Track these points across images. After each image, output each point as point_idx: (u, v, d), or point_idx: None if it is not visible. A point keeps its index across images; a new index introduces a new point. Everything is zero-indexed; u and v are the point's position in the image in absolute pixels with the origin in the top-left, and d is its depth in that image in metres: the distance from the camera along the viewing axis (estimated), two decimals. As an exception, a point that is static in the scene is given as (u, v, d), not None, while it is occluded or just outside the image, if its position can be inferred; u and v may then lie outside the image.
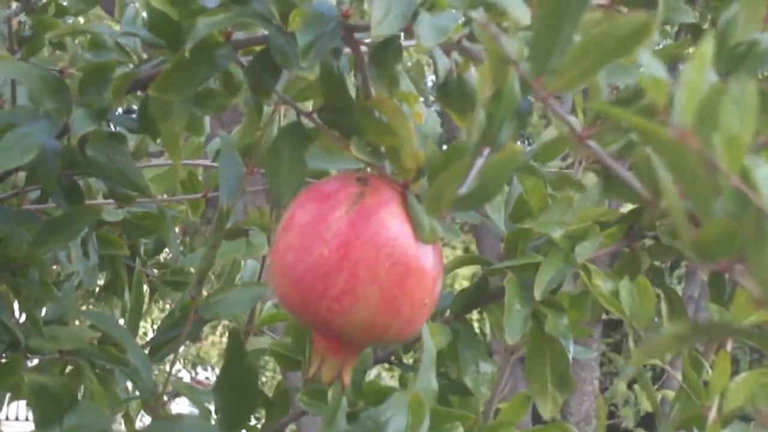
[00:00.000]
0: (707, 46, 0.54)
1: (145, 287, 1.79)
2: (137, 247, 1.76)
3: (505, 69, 0.66)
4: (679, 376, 1.32)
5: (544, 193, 1.40)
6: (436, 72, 0.92)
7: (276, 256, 0.89)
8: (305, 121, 0.99)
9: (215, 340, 11.10)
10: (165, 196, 1.64)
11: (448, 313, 1.35)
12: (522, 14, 0.69)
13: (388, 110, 0.88)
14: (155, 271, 1.83)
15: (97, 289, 1.78)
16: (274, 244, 0.90)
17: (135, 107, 1.19)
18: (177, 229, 1.70)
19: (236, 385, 1.11)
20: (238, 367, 1.11)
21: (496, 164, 0.64)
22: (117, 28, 1.17)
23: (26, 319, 1.41)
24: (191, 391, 1.27)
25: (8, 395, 1.46)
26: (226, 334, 1.58)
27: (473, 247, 7.55)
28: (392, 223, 0.86)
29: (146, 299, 1.72)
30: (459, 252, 9.37)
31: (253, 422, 1.32)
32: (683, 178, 0.51)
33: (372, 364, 1.30)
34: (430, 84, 8.38)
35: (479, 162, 0.66)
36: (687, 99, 0.56)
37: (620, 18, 0.58)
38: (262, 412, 1.39)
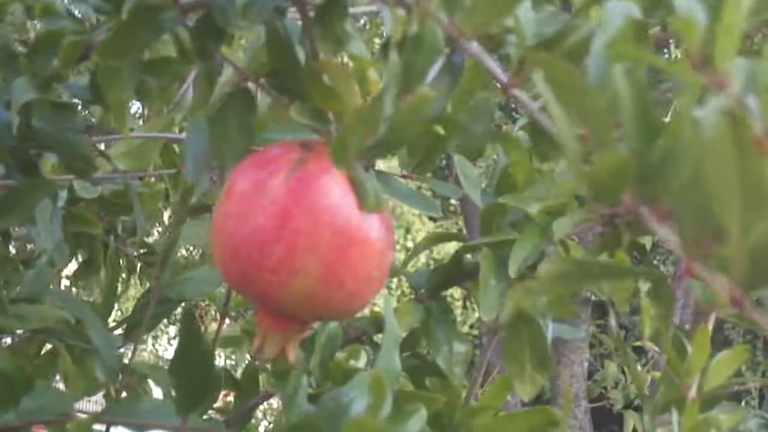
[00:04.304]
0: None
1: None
2: (115, 226, 1.72)
3: (427, 13, 0.62)
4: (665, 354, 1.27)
5: (530, 166, 1.35)
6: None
7: (215, 226, 0.85)
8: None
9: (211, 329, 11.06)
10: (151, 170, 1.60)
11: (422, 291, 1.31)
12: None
13: (333, 72, 0.83)
14: (135, 251, 1.78)
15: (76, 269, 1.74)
16: (214, 213, 0.86)
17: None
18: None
19: (192, 366, 1.07)
20: (193, 348, 1.07)
21: (404, 111, 0.60)
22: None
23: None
24: (154, 371, 1.23)
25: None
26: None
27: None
28: (334, 190, 0.81)
29: (124, 278, 1.69)
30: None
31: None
32: (581, 112, 0.47)
33: (342, 344, 1.26)
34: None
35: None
36: (724, 42, 0.52)
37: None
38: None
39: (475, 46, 0.62)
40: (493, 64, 0.60)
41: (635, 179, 0.47)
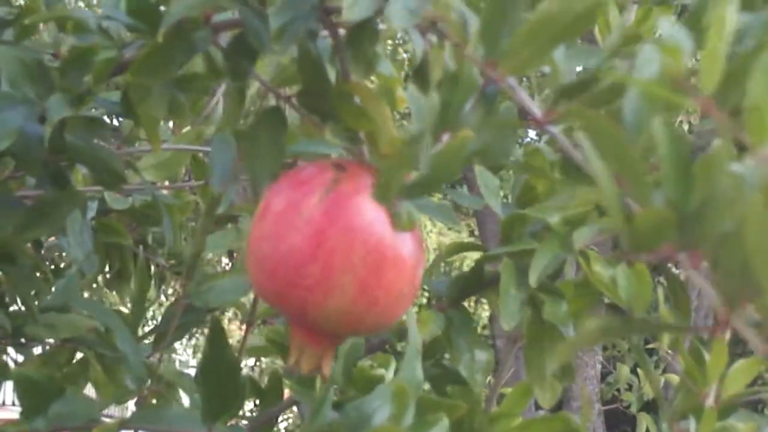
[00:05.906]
0: (725, 10, 0.51)
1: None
2: (146, 236, 1.75)
3: (464, 55, 0.64)
4: (682, 362, 1.29)
5: (552, 178, 1.36)
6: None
7: (251, 245, 0.87)
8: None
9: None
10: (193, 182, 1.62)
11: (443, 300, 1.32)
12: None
13: (363, 94, 0.85)
14: (165, 261, 1.80)
15: (108, 278, 1.76)
16: (250, 233, 0.88)
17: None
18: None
19: (218, 375, 1.09)
20: (220, 357, 1.09)
21: (446, 151, 0.61)
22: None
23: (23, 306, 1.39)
24: (181, 378, 1.25)
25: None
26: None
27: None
28: (368, 210, 0.83)
29: (157, 288, 1.71)
30: (465, 236, 9.37)
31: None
32: (619, 164, 0.49)
33: (365, 352, 1.28)
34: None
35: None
36: (709, 67, 0.53)
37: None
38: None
39: (511, 81, 0.64)
40: (528, 100, 0.62)
41: (674, 229, 0.49)
